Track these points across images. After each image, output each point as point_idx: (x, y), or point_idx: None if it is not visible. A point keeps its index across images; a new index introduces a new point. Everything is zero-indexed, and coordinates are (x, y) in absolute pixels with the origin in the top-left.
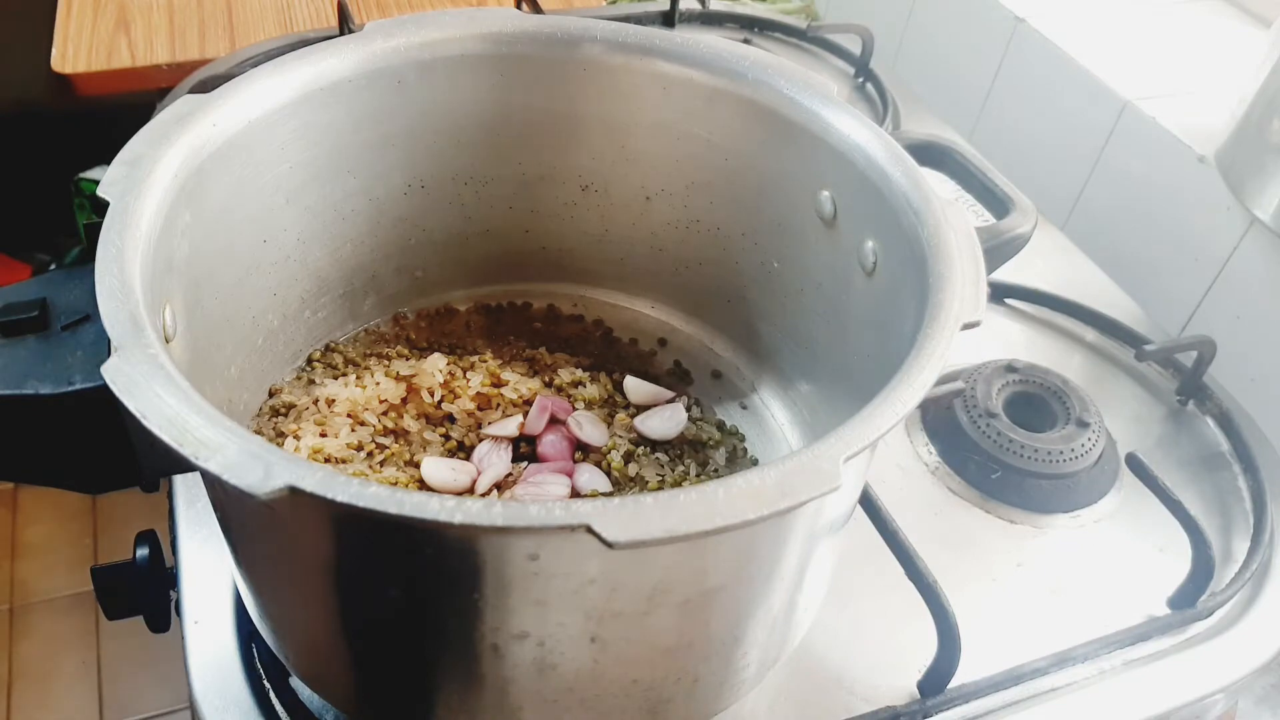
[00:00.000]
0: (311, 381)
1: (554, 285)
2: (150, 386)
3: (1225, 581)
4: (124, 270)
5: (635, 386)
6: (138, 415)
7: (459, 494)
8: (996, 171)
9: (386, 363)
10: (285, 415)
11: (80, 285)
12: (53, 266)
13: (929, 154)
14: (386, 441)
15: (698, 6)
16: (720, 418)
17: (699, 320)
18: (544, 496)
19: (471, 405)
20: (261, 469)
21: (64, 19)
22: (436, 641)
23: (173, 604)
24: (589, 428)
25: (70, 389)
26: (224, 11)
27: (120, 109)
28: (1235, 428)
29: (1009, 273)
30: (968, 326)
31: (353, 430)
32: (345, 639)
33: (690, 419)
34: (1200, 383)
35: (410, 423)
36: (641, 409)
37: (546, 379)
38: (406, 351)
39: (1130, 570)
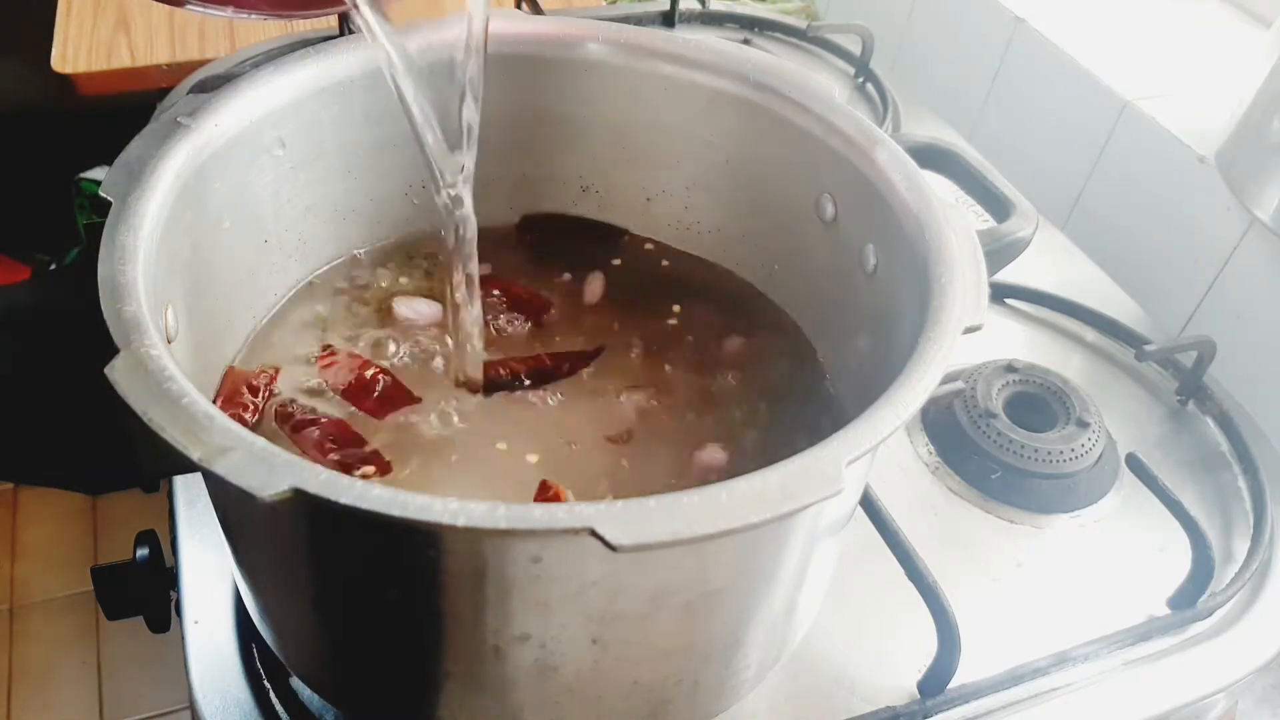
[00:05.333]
0: None
1: None
2: (153, 387)
3: (1225, 581)
4: (126, 271)
5: None
6: (141, 416)
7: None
8: (998, 174)
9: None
10: None
11: (81, 286)
12: (53, 266)
13: (930, 156)
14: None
15: (698, 6)
16: None
17: None
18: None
19: None
20: (265, 471)
21: (64, 19)
22: (438, 643)
23: (173, 604)
24: None
25: None
26: None
27: (120, 109)
28: (1235, 428)
29: (1009, 273)
30: (969, 330)
31: None
32: (346, 640)
33: None
34: (1200, 383)
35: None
36: None
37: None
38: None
39: (1130, 570)
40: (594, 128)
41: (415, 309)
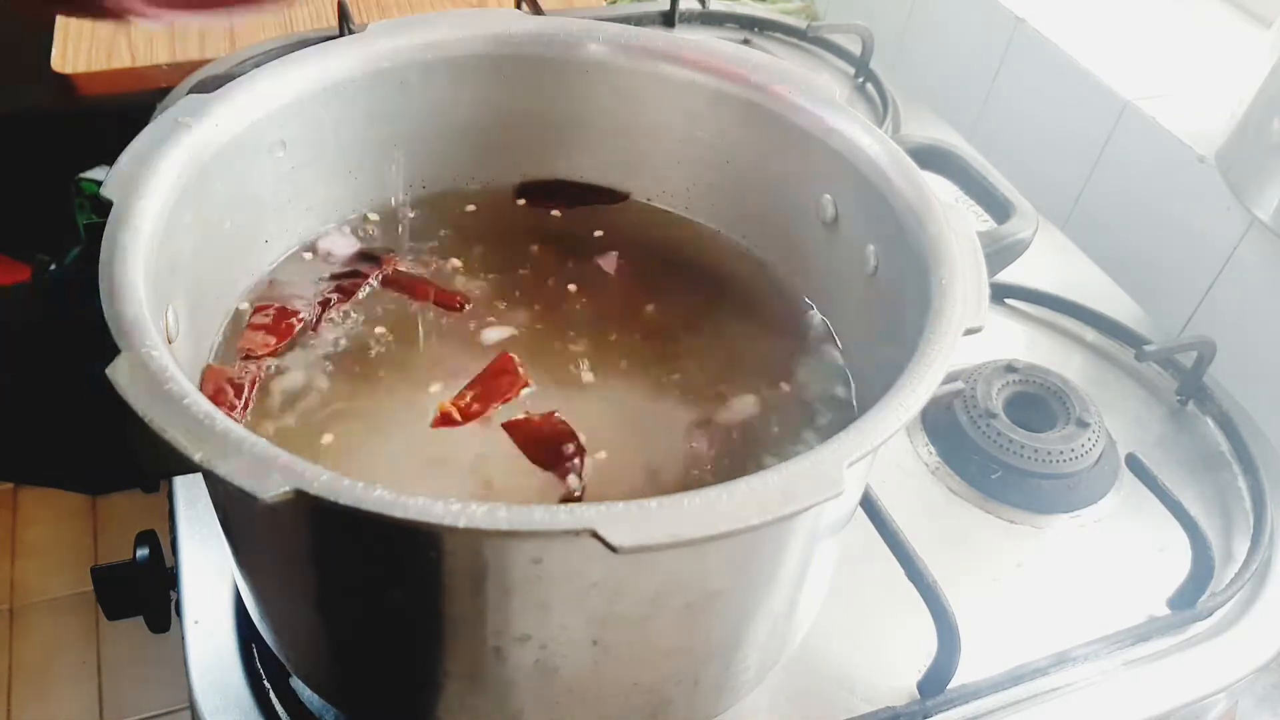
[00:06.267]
0: None
1: None
2: (154, 388)
3: (1225, 581)
4: (127, 271)
5: None
6: (142, 417)
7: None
8: (998, 175)
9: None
10: None
11: (82, 286)
12: (53, 266)
13: (931, 158)
14: None
15: (698, 6)
16: None
17: None
18: None
19: None
20: (266, 471)
21: (64, 19)
22: (438, 643)
23: (173, 604)
24: None
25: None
26: None
27: (120, 109)
28: (1235, 428)
29: (1009, 272)
30: (970, 332)
31: None
32: (347, 640)
33: None
34: (1200, 383)
35: None
36: None
37: None
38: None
39: (1130, 570)
40: (595, 129)
41: (333, 244)
